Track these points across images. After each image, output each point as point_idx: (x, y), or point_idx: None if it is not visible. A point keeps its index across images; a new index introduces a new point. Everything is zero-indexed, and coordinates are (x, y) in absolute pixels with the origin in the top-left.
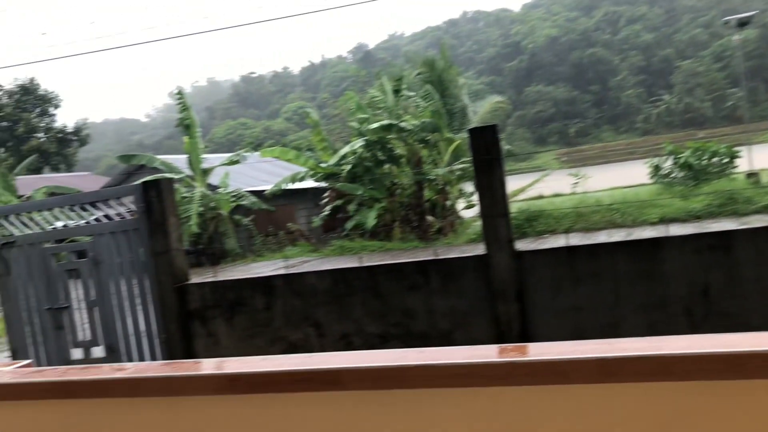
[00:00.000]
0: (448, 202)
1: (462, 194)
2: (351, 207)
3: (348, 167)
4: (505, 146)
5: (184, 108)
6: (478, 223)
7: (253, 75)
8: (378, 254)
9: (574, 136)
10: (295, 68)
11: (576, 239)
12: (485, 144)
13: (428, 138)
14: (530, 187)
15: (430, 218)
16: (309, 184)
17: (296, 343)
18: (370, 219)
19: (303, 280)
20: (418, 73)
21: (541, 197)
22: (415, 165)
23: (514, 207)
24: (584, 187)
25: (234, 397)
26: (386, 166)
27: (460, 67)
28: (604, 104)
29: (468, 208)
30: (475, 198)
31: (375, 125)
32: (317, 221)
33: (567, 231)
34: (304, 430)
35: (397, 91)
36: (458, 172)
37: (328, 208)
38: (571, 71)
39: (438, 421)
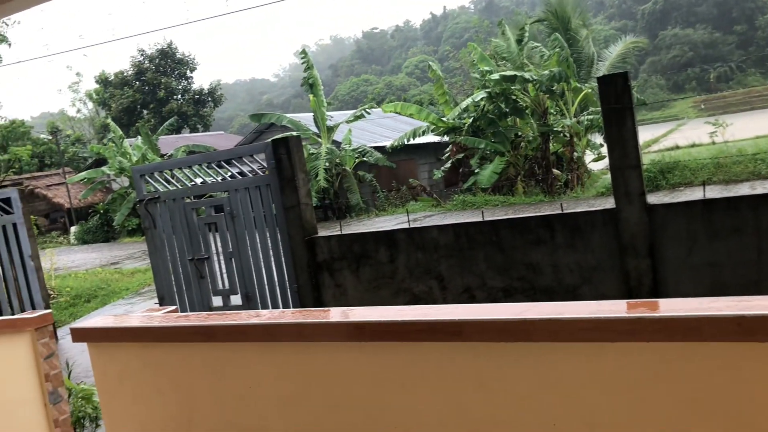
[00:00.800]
0: (576, 155)
1: (590, 146)
2: (473, 161)
3: (470, 120)
4: (636, 95)
5: (308, 67)
6: (608, 176)
7: (375, 31)
8: (501, 209)
9: (714, 82)
10: (417, 21)
11: (714, 192)
12: (615, 92)
13: (554, 88)
14: (664, 137)
15: (555, 172)
16: (430, 138)
17: (420, 295)
18: (492, 173)
19: (426, 234)
20: (543, 20)
21: (676, 148)
22: (541, 116)
23: (646, 158)
24: (724, 137)
25: (360, 344)
26: (510, 118)
27: (588, 12)
28: (750, 45)
29: (597, 160)
30: (605, 150)
31: (498, 76)
32: (438, 176)
33: (704, 183)
34: (426, 378)
35: (520, 41)
36: (586, 123)
37: (449, 162)
38: (713, 11)
39: (561, 376)
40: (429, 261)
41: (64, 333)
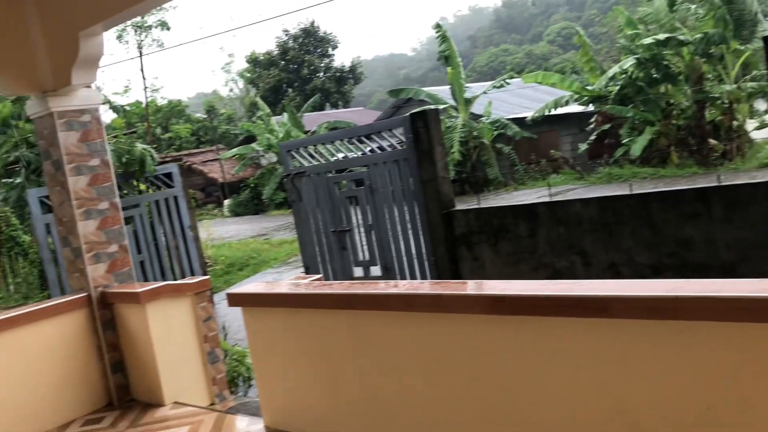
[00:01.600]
0: (735, 123)
1: (753, 113)
2: (623, 131)
3: (617, 89)
4: None
5: (444, 40)
6: None
7: None
8: (650, 181)
9: None
10: None
11: None
12: None
13: (711, 51)
14: None
15: (712, 141)
16: (573, 108)
17: (561, 271)
18: (642, 143)
19: (568, 207)
20: None
21: None
22: (695, 83)
23: None
24: None
25: (498, 317)
26: (661, 85)
27: None
28: None
29: (760, 128)
30: None
31: (648, 40)
32: (582, 147)
33: None
34: (567, 355)
35: (672, 2)
36: (749, 89)
37: (594, 133)
38: None
39: (716, 358)
40: (571, 236)
41: (219, 298)
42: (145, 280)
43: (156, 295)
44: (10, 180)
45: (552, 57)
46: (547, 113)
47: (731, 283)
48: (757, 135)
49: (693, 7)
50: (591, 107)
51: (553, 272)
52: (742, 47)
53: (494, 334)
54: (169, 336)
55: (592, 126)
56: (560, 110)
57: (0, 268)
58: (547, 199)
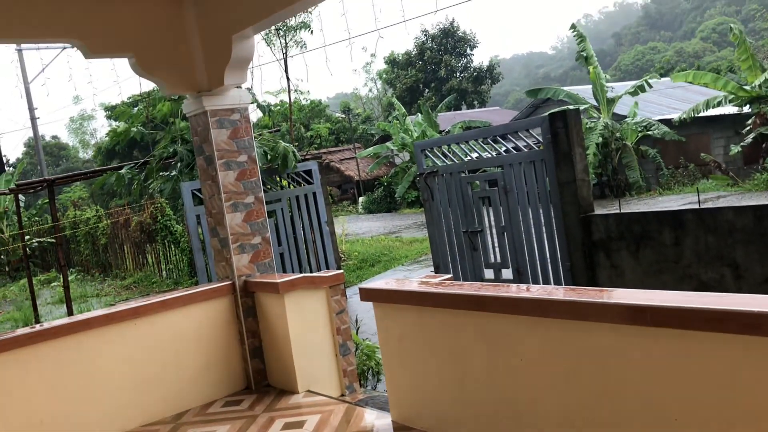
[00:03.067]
0: None
1: None
2: None
3: None
4: None
5: (581, 40)
6: None
7: None
8: None
9: None
10: None
11: None
12: None
13: None
14: None
15: None
16: (728, 110)
17: (708, 283)
18: None
19: (719, 215)
20: None
21: None
22: None
23: None
24: None
25: (640, 328)
26: None
27: None
28: None
29: None
30: None
31: None
32: (736, 151)
33: None
34: (712, 373)
35: None
36: None
37: (750, 135)
38: None
39: None
40: (721, 246)
41: (352, 293)
42: (284, 271)
43: (293, 286)
44: (167, 173)
45: (705, 55)
46: (697, 114)
47: None
48: None
49: None
50: (748, 108)
51: (700, 284)
52: None
53: (632, 345)
54: (304, 326)
55: (748, 128)
56: (712, 111)
57: (155, 255)
58: (695, 206)
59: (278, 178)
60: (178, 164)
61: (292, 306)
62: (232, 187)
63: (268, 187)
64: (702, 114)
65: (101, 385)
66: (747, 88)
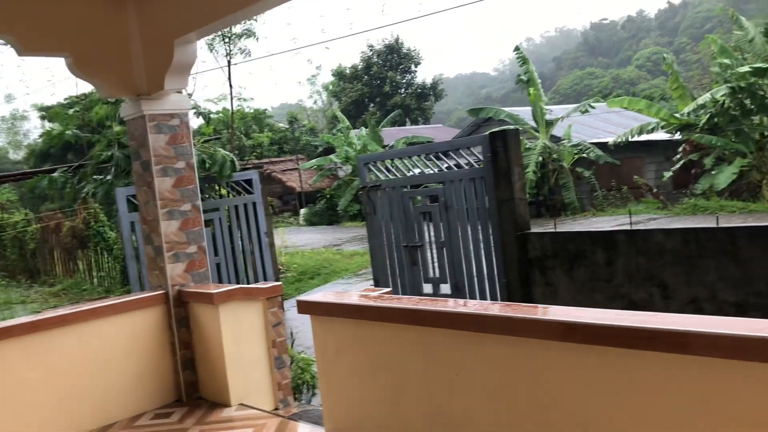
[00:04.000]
0: None
1: None
2: (707, 161)
3: (707, 117)
4: None
5: (524, 62)
6: None
7: (605, 21)
8: (739, 216)
9: None
10: (652, 11)
11: None
12: None
13: None
14: None
15: None
16: (660, 136)
17: (638, 302)
18: (732, 175)
19: (649, 237)
20: None
21: None
22: None
23: None
24: None
25: (571, 345)
26: (755, 116)
27: None
28: None
29: None
30: None
31: (744, 69)
32: (667, 176)
33: None
34: (640, 389)
35: None
36: None
37: (680, 162)
38: None
39: None
40: (651, 267)
41: (289, 305)
42: (220, 282)
43: (229, 297)
44: (101, 177)
45: (640, 82)
46: (631, 139)
47: None
48: None
49: None
50: (678, 135)
51: (630, 303)
52: None
53: (564, 361)
54: (239, 338)
55: (679, 155)
56: (646, 137)
57: (86, 261)
58: (627, 228)
59: (217, 187)
60: (114, 169)
61: (227, 317)
62: (169, 194)
63: (207, 195)
64: (635, 139)
65: (24, 397)
66: (678, 115)
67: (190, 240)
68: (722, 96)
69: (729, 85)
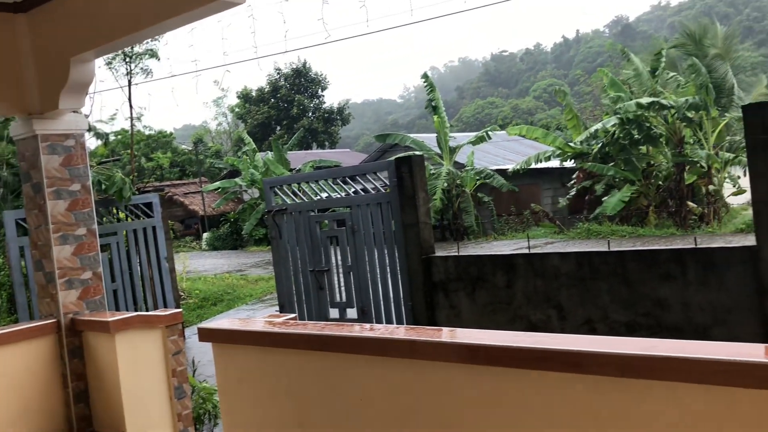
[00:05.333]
0: (712, 187)
1: (730, 179)
2: (598, 188)
3: (599, 147)
4: None
5: (431, 90)
6: (748, 212)
7: (505, 53)
8: (628, 240)
9: None
10: (548, 45)
11: None
12: (763, 122)
13: (693, 116)
14: None
15: (690, 204)
16: (555, 164)
17: (537, 324)
18: (621, 201)
19: (546, 260)
20: (680, 46)
21: None
22: (676, 146)
23: None
24: None
25: (474, 366)
26: (642, 146)
27: (734, 38)
28: None
29: (736, 194)
30: (746, 183)
31: (632, 102)
32: (563, 202)
33: None
34: (539, 409)
35: (655, 69)
36: (726, 155)
37: (575, 188)
38: None
39: (689, 419)
40: (548, 289)
41: (191, 333)
42: (117, 309)
43: (126, 325)
44: None
45: (537, 112)
46: (528, 167)
47: (708, 345)
48: (733, 200)
49: (673, 74)
50: (572, 163)
51: (529, 324)
52: (721, 115)
53: (468, 383)
54: (136, 368)
55: (573, 182)
56: (543, 164)
57: None
58: (525, 251)
59: (115, 210)
60: (2, 190)
61: (123, 346)
62: (62, 218)
63: (103, 219)
64: (533, 166)
65: None
66: (572, 144)
67: (84, 265)
68: (612, 126)
69: (618, 116)
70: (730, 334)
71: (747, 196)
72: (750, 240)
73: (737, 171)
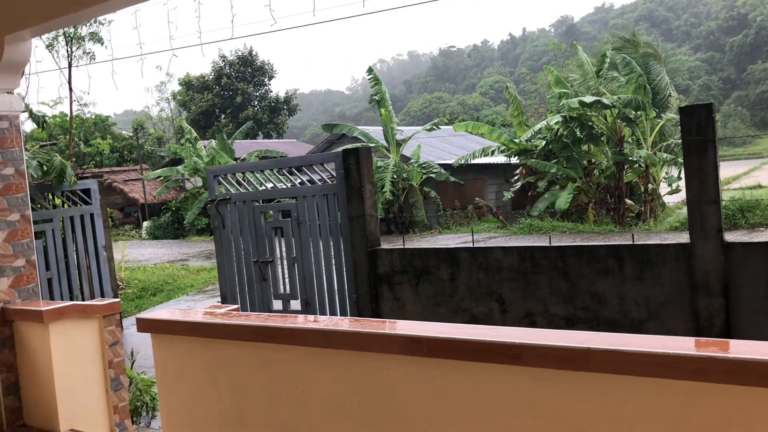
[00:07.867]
0: (650, 186)
1: (666, 178)
2: (541, 184)
3: (542, 144)
4: (719, 128)
5: (376, 83)
6: (683, 211)
7: (453, 49)
8: (569, 236)
9: None
10: (495, 42)
11: None
12: (698, 124)
13: (632, 116)
14: (746, 174)
15: (628, 202)
16: (500, 159)
17: (479, 316)
18: (563, 199)
19: (489, 254)
20: (620, 49)
21: (758, 187)
22: (616, 145)
23: (725, 195)
24: None
25: (416, 358)
26: (584, 144)
27: (673, 42)
28: None
29: (672, 193)
30: (681, 183)
31: (574, 101)
32: (506, 198)
33: None
34: (480, 399)
35: (599, 70)
36: (664, 155)
37: (518, 184)
38: None
39: (624, 410)
40: (491, 282)
41: (129, 324)
42: (52, 298)
43: (60, 315)
44: None
45: (483, 108)
46: (472, 161)
47: (640, 338)
48: (669, 199)
49: (615, 75)
50: (516, 159)
51: (471, 317)
52: (659, 116)
53: (410, 375)
54: (71, 359)
55: (516, 177)
56: (487, 160)
57: None
58: (469, 245)
59: (51, 196)
60: None
61: (58, 337)
62: None
63: (38, 205)
64: (477, 161)
65: None
66: (516, 141)
67: (17, 253)
68: (556, 124)
69: (562, 114)
70: (664, 328)
71: (682, 195)
72: (684, 237)
73: (674, 171)
